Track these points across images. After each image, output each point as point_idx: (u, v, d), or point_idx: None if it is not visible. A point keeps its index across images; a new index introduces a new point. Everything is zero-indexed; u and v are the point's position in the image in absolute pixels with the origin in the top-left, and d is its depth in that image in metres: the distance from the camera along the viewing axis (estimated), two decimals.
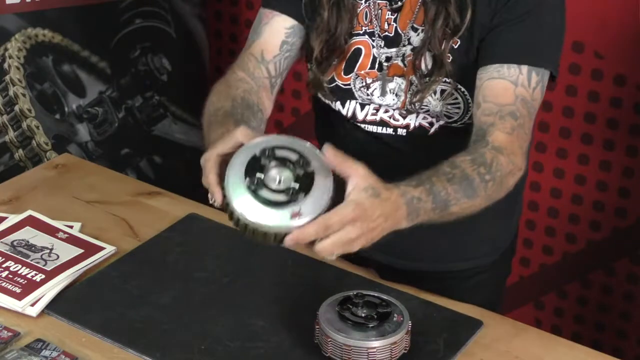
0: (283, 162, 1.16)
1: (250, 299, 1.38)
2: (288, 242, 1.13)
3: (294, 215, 1.12)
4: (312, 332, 1.26)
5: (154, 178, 2.56)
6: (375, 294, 1.27)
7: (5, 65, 2.25)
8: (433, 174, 1.25)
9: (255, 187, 1.14)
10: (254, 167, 1.16)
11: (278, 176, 1.15)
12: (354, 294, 1.26)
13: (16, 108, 2.29)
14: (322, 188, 1.15)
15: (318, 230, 1.12)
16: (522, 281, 2.44)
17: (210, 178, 1.19)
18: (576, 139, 2.26)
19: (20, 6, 2.25)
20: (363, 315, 1.23)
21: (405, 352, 1.24)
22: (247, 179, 1.15)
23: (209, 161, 1.20)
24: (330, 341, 1.22)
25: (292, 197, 1.14)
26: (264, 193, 1.14)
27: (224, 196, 1.16)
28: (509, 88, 1.37)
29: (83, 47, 2.39)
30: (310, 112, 1.68)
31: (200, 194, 1.89)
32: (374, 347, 1.20)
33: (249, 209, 1.14)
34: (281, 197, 1.14)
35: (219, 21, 2.80)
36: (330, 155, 1.16)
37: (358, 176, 1.15)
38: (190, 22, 2.63)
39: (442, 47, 1.41)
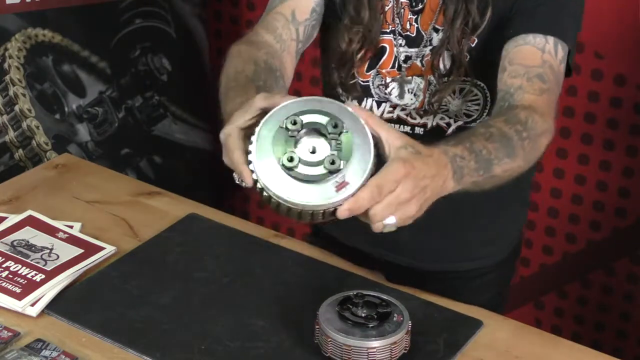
0: (314, 128, 1.06)
1: (250, 299, 1.38)
2: (341, 214, 1.04)
3: (340, 187, 1.03)
4: (312, 332, 1.26)
5: (154, 178, 2.56)
6: (375, 294, 1.27)
7: (5, 65, 2.25)
8: (469, 134, 1.18)
9: (290, 165, 1.04)
10: (283, 142, 1.05)
11: (312, 146, 1.05)
12: (354, 294, 1.26)
13: (16, 108, 2.29)
14: (363, 148, 1.05)
15: (373, 194, 1.03)
16: (522, 281, 2.43)
17: (235, 157, 1.09)
18: (576, 139, 2.26)
19: (20, 6, 2.25)
20: (363, 315, 1.23)
21: (405, 352, 1.24)
22: (279, 157, 1.05)
23: (231, 137, 1.10)
24: (330, 341, 1.22)
25: (332, 167, 1.04)
26: (301, 169, 1.04)
27: (256, 180, 1.06)
28: (536, 53, 1.32)
29: (83, 47, 2.39)
30: None
31: (200, 194, 1.89)
32: (374, 347, 1.20)
33: (288, 190, 1.04)
34: (320, 170, 1.04)
35: (219, 21, 2.80)
36: (358, 110, 1.07)
37: (391, 135, 1.07)
38: (190, 22, 2.63)
39: (461, 46, 1.39)
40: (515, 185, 1.30)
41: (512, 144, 1.20)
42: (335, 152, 1.05)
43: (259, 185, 1.06)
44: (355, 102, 1.49)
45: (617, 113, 2.19)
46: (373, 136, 1.07)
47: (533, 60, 1.32)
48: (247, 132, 1.10)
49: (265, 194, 1.06)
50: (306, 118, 1.07)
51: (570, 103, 2.23)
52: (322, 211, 1.05)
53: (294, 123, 1.06)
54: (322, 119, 1.07)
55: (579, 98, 2.22)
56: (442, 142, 1.14)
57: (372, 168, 1.05)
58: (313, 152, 1.06)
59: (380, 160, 1.06)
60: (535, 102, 1.27)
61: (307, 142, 1.06)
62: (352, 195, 1.04)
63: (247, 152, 1.08)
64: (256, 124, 1.09)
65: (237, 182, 1.12)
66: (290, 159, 1.05)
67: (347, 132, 1.06)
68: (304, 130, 1.06)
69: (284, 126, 1.06)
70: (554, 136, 1.29)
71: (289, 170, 1.05)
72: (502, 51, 1.36)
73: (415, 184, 1.05)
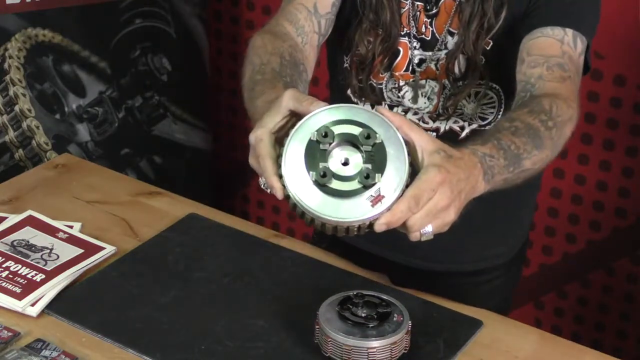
0: (346, 140, 1.04)
1: (250, 299, 1.38)
2: (379, 228, 1.03)
3: (376, 201, 1.01)
4: (312, 332, 1.26)
5: (154, 178, 2.56)
6: (375, 294, 1.27)
7: (5, 65, 2.25)
8: (495, 130, 1.17)
9: (323, 180, 1.02)
10: (315, 155, 1.03)
11: (344, 158, 1.03)
12: (354, 294, 1.26)
13: (16, 108, 2.29)
14: (397, 159, 1.03)
15: (410, 206, 1.01)
16: (522, 281, 2.43)
17: (267, 166, 1.06)
18: (576, 139, 2.25)
19: (20, 6, 2.25)
20: (363, 315, 1.23)
21: (405, 352, 1.24)
22: (311, 172, 1.02)
23: (263, 142, 1.07)
24: (330, 341, 1.22)
25: (366, 181, 1.02)
26: (335, 184, 1.02)
27: (287, 196, 1.04)
28: (555, 44, 1.31)
29: (83, 47, 2.39)
30: (327, 100, 1.65)
31: (200, 194, 1.89)
32: (374, 347, 1.20)
33: (322, 205, 1.02)
34: (355, 185, 1.02)
35: (219, 21, 2.80)
36: (391, 115, 1.05)
37: (423, 139, 1.05)
38: (190, 22, 2.63)
39: (476, 48, 1.38)
40: (528, 186, 1.30)
41: (540, 135, 1.18)
42: (369, 165, 1.03)
43: (291, 201, 1.05)
44: (367, 105, 1.49)
45: (617, 113, 2.19)
46: (405, 142, 1.05)
47: (552, 50, 1.30)
48: (278, 136, 1.08)
49: (298, 209, 1.04)
50: (337, 129, 1.05)
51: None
52: (357, 226, 1.04)
53: (325, 135, 1.04)
54: (354, 130, 1.04)
55: (579, 98, 2.21)
56: (469, 141, 1.13)
57: (407, 179, 1.03)
58: (345, 163, 1.04)
59: (413, 167, 1.05)
60: (558, 88, 1.26)
61: (339, 154, 1.05)
62: (388, 208, 1.02)
63: (278, 161, 1.06)
64: (286, 130, 1.07)
65: (262, 187, 1.10)
66: (323, 175, 1.03)
67: (380, 141, 1.04)
68: (335, 143, 1.04)
69: (315, 139, 1.04)
70: (578, 122, 1.27)
71: (322, 186, 1.03)
72: (519, 47, 1.34)
73: (452, 190, 1.04)
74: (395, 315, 1.24)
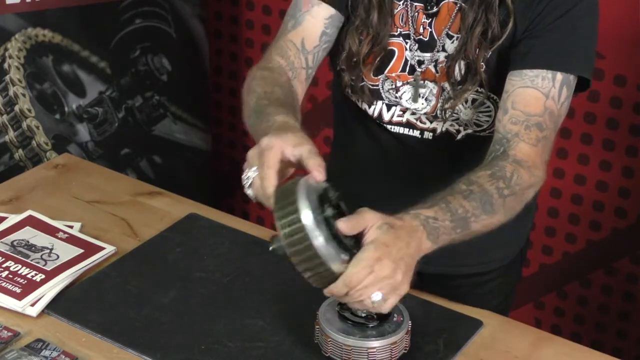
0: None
1: (250, 299, 1.38)
2: (325, 292, 1.15)
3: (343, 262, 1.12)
4: (312, 332, 1.26)
5: (154, 178, 2.56)
6: None
7: (5, 65, 2.25)
8: (448, 193, 1.23)
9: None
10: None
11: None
12: None
13: (16, 108, 2.29)
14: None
15: (346, 285, 1.11)
16: (522, 281, 2.43)
17: (269, 176, 1.14)
18: (576, 139, 2.26)
19: (20, 6, 2.25)
20: (363, 315, 1.23)
21: (405, 352, 1.24)
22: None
23: (273, 151, 1.15)
24: (330, 341, 1.22)
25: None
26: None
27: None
28: (540, 99, 1.35)
29: (83, 47, 2.39)
30: (327, 100, 1.66)
31: (200, 194, 1.89)
32: (374, 347, 1.20)
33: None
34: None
35: (219, 21, 2.80)
36: (345, 228, 1.12)
37: (369, 219, 1.13)
38: (190, 22, 2.63)
39: (477, 54, 1.39)
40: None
41: (492, 201, 1.25)
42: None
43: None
44: (365, 104, 1.50)
45: (617, 113, 2.19)
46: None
47: (535, 107, 1.34)
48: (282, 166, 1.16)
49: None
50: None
51: (570, 103, 2.23)
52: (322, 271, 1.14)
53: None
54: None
55: (579, 98, 2.21)
56: (418, 204, 1.20)
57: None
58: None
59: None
60: (528, 154, 1.32)
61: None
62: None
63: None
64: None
65: (244, 184, 1.18)
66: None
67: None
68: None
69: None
70: (545, 180, 1.35)
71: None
72: (508, 76, 1.37)
73: (392, 260, 1.11)
74: (395, 315, 1.24)
